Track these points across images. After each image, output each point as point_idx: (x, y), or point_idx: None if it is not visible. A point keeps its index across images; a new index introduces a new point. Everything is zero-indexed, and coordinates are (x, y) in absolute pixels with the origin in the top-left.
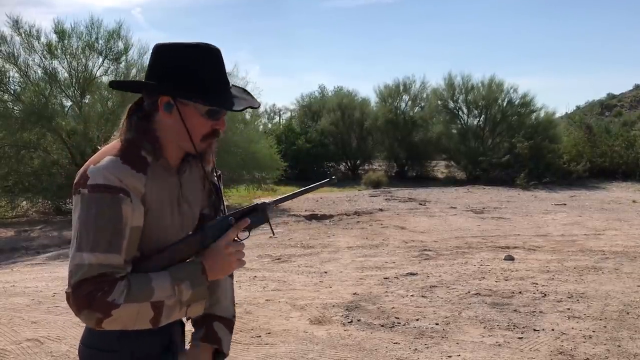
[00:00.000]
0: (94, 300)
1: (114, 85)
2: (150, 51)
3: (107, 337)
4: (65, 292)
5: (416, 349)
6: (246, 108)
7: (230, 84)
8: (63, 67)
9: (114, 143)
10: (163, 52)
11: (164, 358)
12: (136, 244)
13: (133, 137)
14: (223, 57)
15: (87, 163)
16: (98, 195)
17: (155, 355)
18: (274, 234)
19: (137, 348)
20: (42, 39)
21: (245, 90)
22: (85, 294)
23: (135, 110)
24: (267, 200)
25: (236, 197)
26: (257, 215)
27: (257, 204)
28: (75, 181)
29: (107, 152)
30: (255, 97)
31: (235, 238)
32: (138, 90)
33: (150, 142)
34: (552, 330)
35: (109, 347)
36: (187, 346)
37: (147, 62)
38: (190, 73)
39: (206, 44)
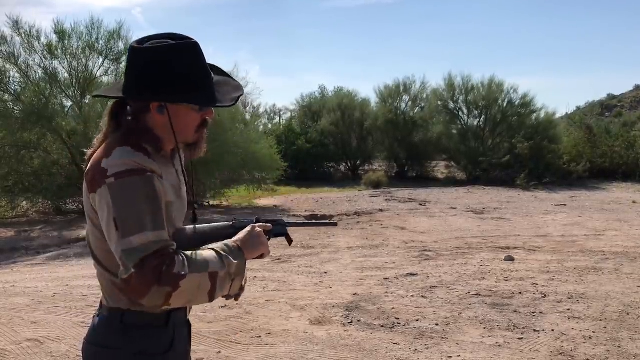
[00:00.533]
0: (162, 274)
1: (99, 96)
2: (128, 52)
3: (111, 334)
4: (122, 279)
5: (416, 349)
6: (237, 100)
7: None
8: (63, 67)
9: (108, 143)
10: (143, 56)
11: (168, 357)
12: (170, 219)
13: (130, 133)
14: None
15: (94, 160)
16: (127, 180)
17: (158, 354)
18: (289, 244)
19: (140, 346)
20: (43, 39)
21: (221, 71)
22: (152, 270)
23: (120, 110)
24: (286, 221)
25: (236, 197)
26: (278, 227)
27: (277, 218)
28: (89, 179)
29: (110, 147)
30: (232, 76)
31: None
32: (132, 93)
33: (150, 139)
34: (552, 330)
35: (112, 345)
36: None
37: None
38: (177, 75)
39: (185, 39)
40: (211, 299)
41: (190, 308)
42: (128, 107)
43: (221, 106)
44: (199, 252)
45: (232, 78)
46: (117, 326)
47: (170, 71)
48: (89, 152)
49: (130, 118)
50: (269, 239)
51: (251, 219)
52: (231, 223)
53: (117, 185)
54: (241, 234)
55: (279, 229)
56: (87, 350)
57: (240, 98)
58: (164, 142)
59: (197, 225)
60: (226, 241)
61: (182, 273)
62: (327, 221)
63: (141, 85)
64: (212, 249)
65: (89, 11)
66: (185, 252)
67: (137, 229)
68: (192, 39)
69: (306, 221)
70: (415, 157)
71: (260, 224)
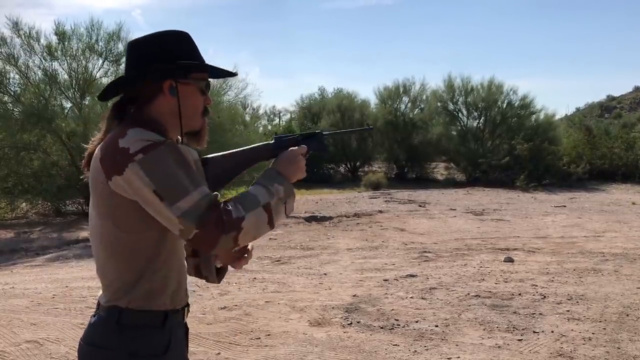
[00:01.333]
0: (225, 224)
1: (112, 92)
2: (128, 47)
3: (107, 334)
4: (189, 240)
5: (416, 350)
6: (235, 73)
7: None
8: (63, 69)
9: (116, 129)
10: (144, 44)
11: (164, 358)
12: (202, 172)
13: (135, 122)
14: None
15: (107, 145)
16: (154, 152)
17: (153, 356)
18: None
19: (135, 347)
20: (42, 41)
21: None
22: (214, 224)
23: (118, 112)
24: (321, 131)
25: None
26: (314, 143)
27: (317, 131)
28: (109, 163)
29: (122, 131)
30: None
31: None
32: (137, 82)
33: (155, 127)
34: (552, 332)
35: (107, 345)
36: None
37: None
38: (183, 53)
39: (177, 30)
40: (272, 227)
41: (189, 310)
42: (129, 107)
43: (228, 74)
44: (245, 191)
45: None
46: (113, 326)
47: (175, 52)
48: (89, 147)
49: (133, 110)
50: (307, 157)
51: (292, 136)
52: (272, 142)
53: (147, 159)
54: (280, 160)
55: (315, 145)
56: (82, 350)
57: (239, 97)
58: (168, 131)
59: (230, 151)
60: (266, 170)
61: (240, 215)
62: (363, 127)
63: (151, 66)
64: (257, 184)
65: (88, 12)
66: (234, 197)
67: (182, 193)
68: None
69: (341, 130)
70: (414, 159)
71: (297, 148)
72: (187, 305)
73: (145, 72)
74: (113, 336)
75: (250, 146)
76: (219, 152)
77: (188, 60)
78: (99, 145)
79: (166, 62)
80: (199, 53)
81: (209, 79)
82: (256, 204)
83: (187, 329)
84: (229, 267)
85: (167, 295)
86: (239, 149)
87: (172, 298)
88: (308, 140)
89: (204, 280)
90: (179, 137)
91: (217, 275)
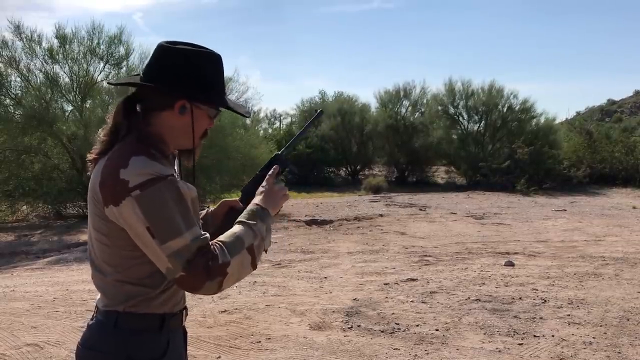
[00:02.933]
0: (211, 270)
1: (127, 84)
2: (156, 49)
3: (104, 337)
4: (175, 279)
5: (416, 354)
6: (250, 114)
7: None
8: (64, 72)
9: (121, 150)
10: (177, 53)
11: None
12: (195, 212)
13: (142, 139)
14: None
15: (110, 170)
16: (152, 188)
17: (152, 358)
18: (295, 173)
19: (132, 351)
20: (44, 44)
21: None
22: (201, 269)
23: (129, 110)
24: (278, 152)
25: None
26: (281, 163)
27: (274, 155)
28: (108, 191)
29: (126, 157)
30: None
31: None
32: (153, 90)
33: (159, 145)
34: (552, 336)
35: (104, 348)
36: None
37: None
38: (208, 77)
39: (212, 50)
40: (254, 268)
41: (187, 314)
42: (137, 107)
43: (240, 114)
44: (230, 232)
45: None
46: (110, 329)
47: (201, 74)
48: (93, 151)
49: (141, 116)
50: (284, 180)
51: (252, 179)
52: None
53: (144, 196)
54: (260, 195)
55: (283, 164)
56: (79, 353)
57: (240, 100)
58: (169, 145)
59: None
60: (249, 207)
61: (226, 261)
62: (312, 118)
63: (173, 80)
64: (240, 222)
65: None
66: (220, 239)
67: (174, 233)
68: (218, 53)
69: (293, 138)
70: (415, 162)
71: (271, 172)
72: (185, 308)
73: (167, 87)
74: (110, 340)
75: (219, 225)
76: (219, 156)
77: (209, 87)
78: (102, 164)
79: (188, 80)
80: (222, 80)
81: (220, 109)
82: (241, 246)
83: (185, 332)
84: None
85: (165, 299)
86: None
87: (170, 301)
88: (270, 166)
89: None
90: (176, 150)
91: None
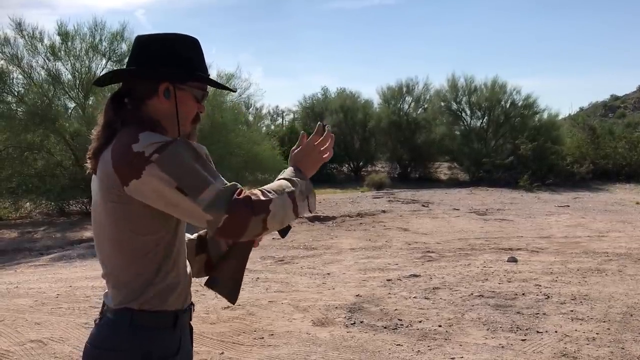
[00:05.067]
0: (253, 204)
1: (109, 78)
2: (134, 42)
3: (118, 336)
4: (217, 229)
5: (419, 350)
6: (234, 90)
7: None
8: (66, 69)
9: (125, 133)
10: (154, 41)
11: (176, 359)
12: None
13: (142, 123)
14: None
15: (121, 149)
16: (169, 149)
17: (167, 356)
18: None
19: (148, 348)
20: (46, 41)
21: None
22: (243, 206)
23: (119, 103)
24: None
25: None
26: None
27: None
28: (125, 168)
29: (133, 135)
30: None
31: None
32: (136, 77)
33: (157, 127)
34: (556, 332)
35: (119, 347)
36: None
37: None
38: (186, 60)
39: (187, 34)
40: (297, 215)
41: (193, 310)
42: (126, 100)
43: (225, 88)
44: (270, 184)
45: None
46: (125, 328)
47: (179, 55)
48: (91, 149)
49: (130, 107)
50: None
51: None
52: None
53: (163, 158)
54: (299, 156)
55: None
56: (91, 353)
57: (242, 97)
58: (167, 132)
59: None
60: (286, 170)
61: (269, 197)
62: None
63: (152, 64)
64: (278, 178)
65: (91, 13)
66: (258, 188)
67: (204, 185)
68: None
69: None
70: (418, 158)
71: (307, 140)
72: (192, 304)
73: (145, 70)
74: (125, 338)
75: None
76: (222, 152)
77: (190, 68)
78: (109, 150)
79: (168, 64)
80: (204, 61)
81: (207, 90)
82: (281, 191)
83: (191, 328)
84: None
85: (177, 295)
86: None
87: (181, 297)
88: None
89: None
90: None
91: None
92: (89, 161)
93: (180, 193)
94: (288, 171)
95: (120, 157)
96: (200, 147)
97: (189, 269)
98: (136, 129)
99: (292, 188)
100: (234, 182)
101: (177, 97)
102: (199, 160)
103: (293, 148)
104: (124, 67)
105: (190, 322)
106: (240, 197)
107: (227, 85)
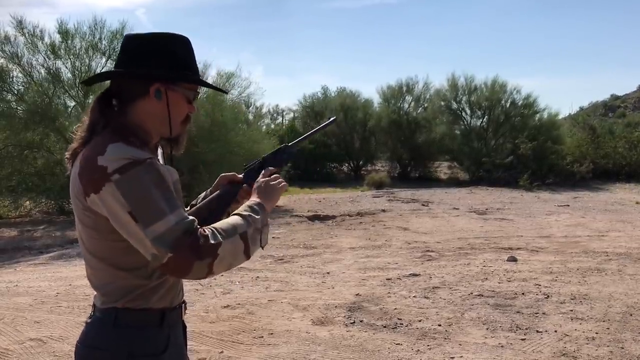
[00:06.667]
0: (200, 248)
1: (98, 78)
2: (123, 40)
3: (104, 335)
4: (161, 265)
5: (419, 350)
6: (226, 92)
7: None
8: (66, 68)
9: (98, 140)
10: (144, 41)
11: (162, 359)
12: (178, 195)
13: (119, 129)
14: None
15: (87, 160)
16: (132, 171)
17: (152, 355)
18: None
19: (133, 347)
20: (46, 40)
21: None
22: (189, 249)
23: (106, 105)
24: (288, 143)
25: None
26: (284, 155)
27: (281, 146)
28: (87, 180)
29: (102, 145)
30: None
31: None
32: (126, 78)
33: (138, 134)
34: (555, 331)
35: (104, 346)
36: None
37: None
38: (176, 58)
39: (179, 33)
40: (247, 257)
41: (185, 308)
42: (114, 102)
43: (216, 89)
44: (223, 221)
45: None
46: (109, 327)
47: (170, 55)
48: (70, 149)
49: (117, 109)
50: (281, 172)
51: (256, 162)
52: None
53: (123, 180)
54: (258, 190)
55: (284, 158)
56: (79, 352)
57: (242, 96)
58: (151, 135)
59: (207, 198)
60: (245, 203)
61: (217, 241)
62: (325, 123)
63: (143, 64)
64: (234, 214)
65: (92, 11)
66: (212, 225)
67: (158, 216)
68: (185, 35)
69: (303, 135)
70: (418, 158)
71: (265, 173)
72: (184, 302)
73: (135, 70)
74: (111, 337)
75: (216, 193)
76: (222, 151)
77: (182, 67)
78: (80, 156)
79: (159, 65)
80: (194, 61)
81: (198, 91)
82: (233, 232)
83: (184, 326)
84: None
85: (163, 293)
86: (206, 200)
87: (169, 296)
88: (274, 157)
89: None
90: (160, 141)
91: None
92: (67, 161)
93: (131, 219)
94: (247, 205)
95: (85, 167)
96: (170, 172)
97: None
98: (110, 138)
99: (246, 229)
100: (192, 219)
101: (168, 98)
102: (161, 187)
103: (258, 179)
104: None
105: (183, 319)
106: (189, 239)
107: (226, 84)
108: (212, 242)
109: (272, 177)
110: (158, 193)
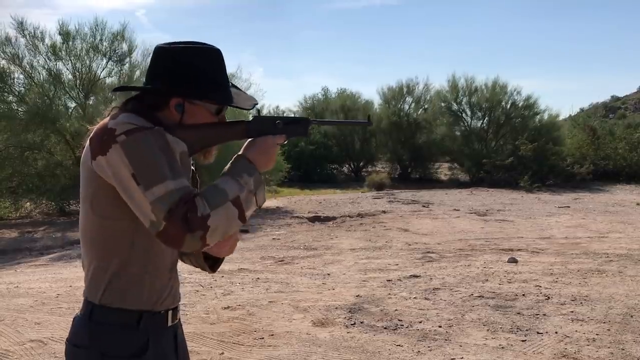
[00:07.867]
0: (189, 221)
1: (123, 89)
2: (153, 52)
3: (81, 332)
4: (158, 232)
5: (419, 351)
6: (254, 106)
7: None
8: (67, 69)
9: (111, 114)
10: (169, 54)
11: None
12: (188, 170)
13: (143, 109)
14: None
15: (98, 126)
16: (139, 134)
17: (127, 356)
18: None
19: (105, 346)
20: (47, 41)
21: (234, 85)
22: (180, 220)
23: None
24: (311, 118)
25: None
26: (299, 128)
27: (302, 117)
28: (95, 143)
29: (115, 114)
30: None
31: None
32: (152, 88)
33: (155, 120)
34: (556, 333)
35: (81, 343)
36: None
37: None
38: (201, 74)
39: (209, 44)
40: (244, 221)
41: (176, 315)
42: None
43: (240, 107)
44: (213, 184)
45: (244, 91)
46: (86, 322)
47: (195, 70)
48: (86, 138)
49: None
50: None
51: (272, 119)
52: (249, 121)
53: (129, 141)
54: (252, 148)
55: (296, 131)
56: (66, 349)
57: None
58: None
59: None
60: (235, 158)
61: (206, 213)
62: (360, 121)
63: (165, 79)
64: (226, 175)
65: (92, 13)
66: (202, 191)
67: (159, 179)
68: (216, 47)
69: (333, 120)
70: (418, 159)
71: (274, 137)
72: (174, 308)
73: (156, 88)
74: (86, 334)
75: (224, 122)
76: (222, 152)
77: (205, 82)
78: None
79: (179, 80)
80: (221, 74)
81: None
82: (224, 198)
83: (176, 333)
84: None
85: (142, 294)
86: (209, 123)
87: (149, 298)
88: (291, 125)
89: (202, 270)
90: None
91: (213, 266)
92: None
93: (133, 180)
94: (239, 162)
95: (96, 131)
96: (177, 143)
97: (171, 269)
98: (127, 110)
99: (238, 193)
100: (191, 188)
101: (185, 111)
102: (166, 154)
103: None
104: (126, 70)
105: (178, 329)
106: (183, 209)
107: (239, 104)
108: (201, 214)
109: (275, 143)
110: (163, 158)
